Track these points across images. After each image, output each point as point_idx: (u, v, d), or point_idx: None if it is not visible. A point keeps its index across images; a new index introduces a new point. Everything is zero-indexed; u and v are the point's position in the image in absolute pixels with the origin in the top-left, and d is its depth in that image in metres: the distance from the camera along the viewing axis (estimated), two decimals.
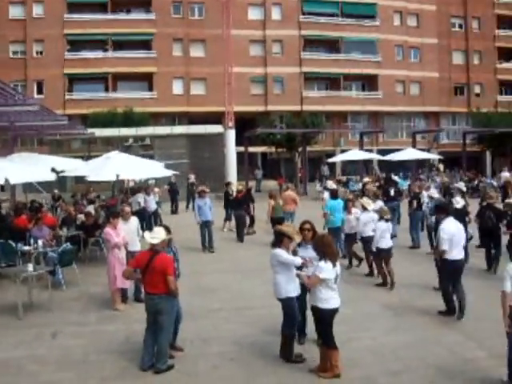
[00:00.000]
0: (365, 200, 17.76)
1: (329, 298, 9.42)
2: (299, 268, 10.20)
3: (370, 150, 57.75)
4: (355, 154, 48.57)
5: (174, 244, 11.34)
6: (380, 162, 56.22)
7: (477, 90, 72.99)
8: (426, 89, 69.74)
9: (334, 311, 9.55)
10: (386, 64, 67.26)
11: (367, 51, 67.03)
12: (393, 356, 10.61)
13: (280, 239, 10.21)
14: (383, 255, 15.55)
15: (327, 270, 9.39)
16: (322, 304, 9.42)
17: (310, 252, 10.28)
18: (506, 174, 42.76)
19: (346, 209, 18.34)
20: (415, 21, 69.94)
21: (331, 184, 26.32)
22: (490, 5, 72.75)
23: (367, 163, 56.04)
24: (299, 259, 10.14)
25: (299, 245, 10.79)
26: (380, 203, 19.20)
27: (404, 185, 37.52)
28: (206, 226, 21.81)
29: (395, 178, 39.06)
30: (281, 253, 10.07)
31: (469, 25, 72.25)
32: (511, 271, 8.95)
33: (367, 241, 16.49)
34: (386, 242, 15.50)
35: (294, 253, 10.52)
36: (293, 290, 10.15)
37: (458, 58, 72.37)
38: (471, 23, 72.45)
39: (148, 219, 25.77)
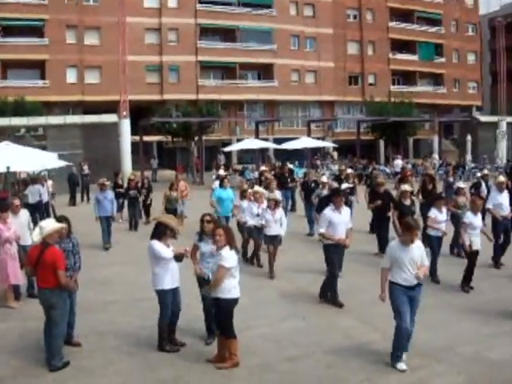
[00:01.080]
0: (259, 189, 17.77)
1: (231, 288, 9.39)
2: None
3: (266, 139, 58.25)
4: (251, 143, 48.75)
5: (74, 236, 11.00)
6: (276, 151, 56.67)
7: (371, 79, 74.69)
8: (322, 78, 70.77)
9: (236, 301, 9.54)
10: (281, 53, 67.80)
11: (263, 40, 67.36)
12: (290, 342, 10.69)
13: (163, 231, 10.11)
14: (271, 243, 15.53)
15: (231, 258, 9.37)
16: (225, 294, 9.36)
17: (210, 245, 10.22)
18: (399, 162, 43.79)
19: (242, 198, 18.09)
20: (311, 11, 70.77)
21: (221, 172, 26.29)
22: None
23: (263, 152, 56.36)
24: (170, 253, 10.03)
25: (200, 238, 10.71)
26: (278, 193, 19.18)
27: (300, 173, 37.96)
28: (106, 220, 20.76)
29: (291, 166, 39.46)
30: (155, 245, 10.02)
31: (363, 16, 73.88)
32: (389, 251, 9.68)
33: (258, 229, 16.45)
34: (273, 230, 15.52)
35: (196, 247, 10.64)
36: (168, 282, 10.09)
37: (352, 49, 73.83)
38: (365, 15, 74.11)
39: (43, 211, 25.03)
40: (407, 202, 16.56)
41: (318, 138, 59.30)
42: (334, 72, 71.50)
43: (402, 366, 9.42)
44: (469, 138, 57.28)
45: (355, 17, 74.02)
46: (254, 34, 66.72)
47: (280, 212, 15.75)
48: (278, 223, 15.48)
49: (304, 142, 49.22)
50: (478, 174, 25.02)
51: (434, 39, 78.25)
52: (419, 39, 76.93)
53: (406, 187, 17.33)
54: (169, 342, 10.36)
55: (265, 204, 16.51)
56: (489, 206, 16.78)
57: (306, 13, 70.48)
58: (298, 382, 9.17)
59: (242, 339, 9.85)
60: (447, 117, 75.08)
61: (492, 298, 13.29)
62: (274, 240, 15.53)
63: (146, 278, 11.73)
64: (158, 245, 10.01)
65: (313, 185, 22.72)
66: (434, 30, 78.55)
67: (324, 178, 22.05)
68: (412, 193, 18.12)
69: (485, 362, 9.53)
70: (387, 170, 48.52)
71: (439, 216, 14.83)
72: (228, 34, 67.40)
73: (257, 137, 51.82)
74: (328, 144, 58.28)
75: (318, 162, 53.32)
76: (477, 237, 13.87)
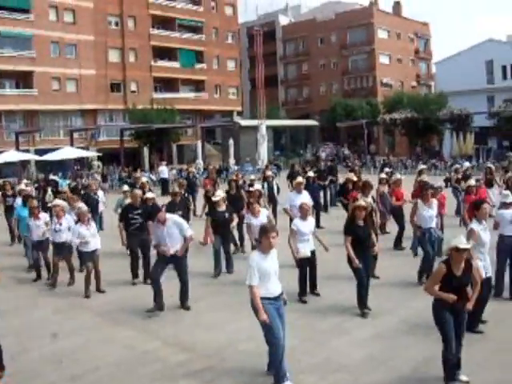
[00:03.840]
0: (59, 202, 16.77)
1: None
2: None
3: (27, 151, 56.45)
4: (11, 156, 47.18)
5: None
6: (38, 163, 55.00)
7: (133, 87, 74.38)
8: (83, 86, 69.26)
9: None
10: (41, 61, 65.29)
11: (21, 47, 64.40)
12: (71, 360, 10.29)
13: None
14: (91, 259, 14.52)
15: None
16: None
17: None
18: (163, 168, 43.94)
19: (32, 215, 16.40)
20: (72, 17, 68.70)
21: (23, 187, 24.68)
22: (144, 5, 74.59)
23: (25, 164, 54.44)
24: None
25: None
26: (83, 205, 18.00)
27: (64, 185, 36.73)
28: None
29: (54, 177, 38.37)
30: None
31: (125, 23, 73.31)
32: (253, 264, 8.71)
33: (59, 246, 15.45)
34: (91, 245, 14.54)
35: None
36: None
37: (114, 56, 72.97)
38: (127, 22, 73.60)
39: None
40: (222, 209, 16.11)
41: (82, 148, 58.40)
42: (95, 80, 70.30)
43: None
44: (231, 141, 59.12)
45: (117, 24, 73.20)
46: (10, 39, 63.59)
47: (94, 224, 15.00)
48: (95, 237, 14.72)
49: (67, 153, 48.43)
50: (252, 177, 25.67)
51: (195, 46, 79.73)
52: (180, 46, 78.06)
53: (219, 193, 16.95)
54: None
55: (69, 218, 15.67)
56: (286, 206, 17.11)
57: (67, 19, 68.35)
58: None
59: (20, 363, 9.44)
60: (209, 122, 76.93)
61: None
62: (93, 255, 14.58)
63: None
64: None
65: (96, 196, 22.21)
66: (195, 37, 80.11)
67: (125, 187, 21.52)
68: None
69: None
70: (152, 177, 48.77)
71: (254, 220, 14.80)
72: None
73: (17, 149, 50.09)
74: (91, 153, 57.60)
75: (83, 173, 52.45)
76: (306, 243, 13.21)
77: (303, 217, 13.35)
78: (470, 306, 8.53)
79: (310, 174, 24.75)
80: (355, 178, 21.66)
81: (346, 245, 11.94)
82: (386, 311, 12.16)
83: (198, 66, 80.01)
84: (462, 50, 75.78)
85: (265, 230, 8.81)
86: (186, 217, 17.37)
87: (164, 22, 77.48)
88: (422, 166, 25.32)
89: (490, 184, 22.99)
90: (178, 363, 9.92)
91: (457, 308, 8.39)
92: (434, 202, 14.53)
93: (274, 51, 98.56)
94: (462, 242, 8.28)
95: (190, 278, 13.22)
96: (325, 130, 78.94)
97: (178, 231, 12.65)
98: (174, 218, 12.94)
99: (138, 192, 16.98)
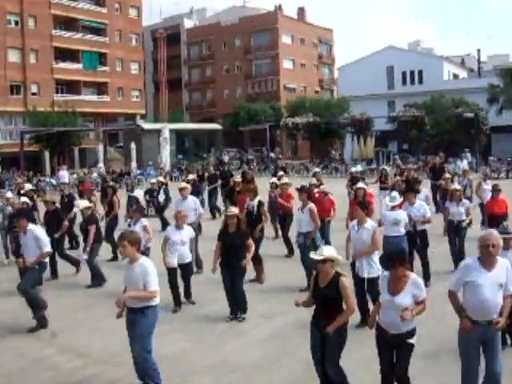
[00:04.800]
0: None
1: None
2: None
3: None
4: None
5: None
6: None
7: (34, 89, 72.61)
8: None
9: None
10: None
11: None
12: None
13: None
14: None
15: None
16: None
17: None
18: (64, 173, 43.15)
19: None
20: None
21: None
22: (46, 4, 72.94)
23: None
24: None
25: None
26: None
27: None
28: None
29: None
30: None
31: (25, 23, 71.36)
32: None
33: None
34: None
35: None
36: None
37: (14, 56, 70.96)
38: (28, 21, 71.66)
39: None
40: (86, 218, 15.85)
41: None
42: None
43: None
44: (133, 145, 58.49)
45: (16, 23, 71.19)
46: None
47: None
48: None
49: None
50: (153, 181, 25.68)
51: (98, 48, 78.65)
52: (83, 48, 76.74)
53: (78, 203, 17.00)
54: None
55: None
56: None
57: None
58: None
59: None
60: (111, 125, 76.14)
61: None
62: None
63: None
64: None
65: None
66: (98, 39, 79.03)
67: (9, 194, 20.98)
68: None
69: (160, 358, 9.33)
70: (53, 182, 47.87)
71: (132, 227, 14.38)
72: None
73: None
74: None
75: None
76: (176, 253, 12.88)
77: (177, 225, 13.21)
78: (329, 329, 7.79)
79: (190, 177, 25.26)
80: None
81: (215, 250, 12.33)
82: (278, 313, 12.40)
83: (101, 68, 78.97)
84: (363, 56, 77.72)
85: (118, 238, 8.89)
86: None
87: (66, 23, 76.19)
88: (316, 169, 25.59)
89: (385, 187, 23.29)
90: (72, 369, 9.85)
91: (320, 325, 8.00)
92: (308, 206, 14.22)
93: (179, 54, 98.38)
94: (316, 253, 8.05)
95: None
96: (228, 133, 79.32)
97: (34, 244, 12.26)
98: (35, 230, 12.47)
99: (14, 199, 16.74)
